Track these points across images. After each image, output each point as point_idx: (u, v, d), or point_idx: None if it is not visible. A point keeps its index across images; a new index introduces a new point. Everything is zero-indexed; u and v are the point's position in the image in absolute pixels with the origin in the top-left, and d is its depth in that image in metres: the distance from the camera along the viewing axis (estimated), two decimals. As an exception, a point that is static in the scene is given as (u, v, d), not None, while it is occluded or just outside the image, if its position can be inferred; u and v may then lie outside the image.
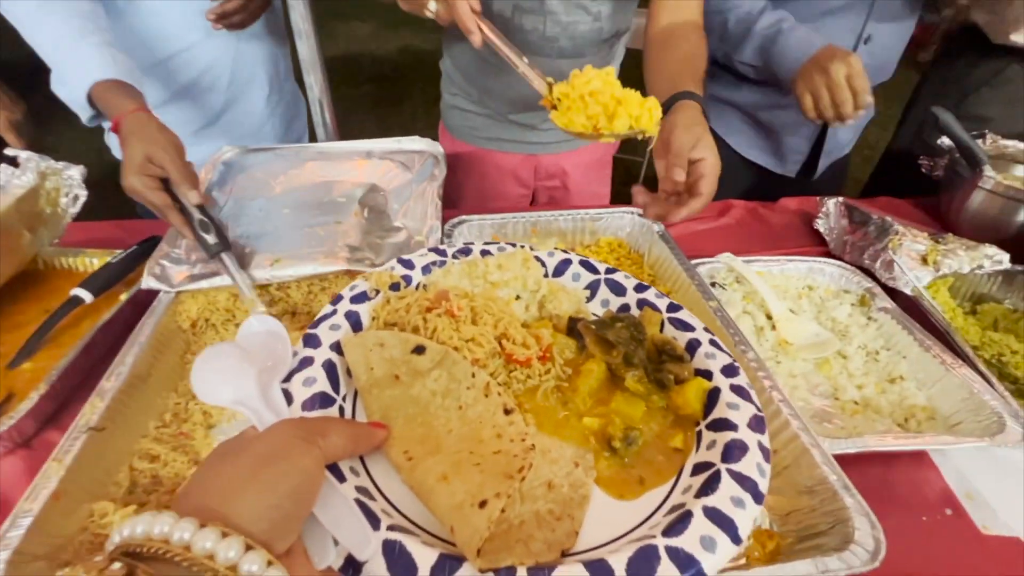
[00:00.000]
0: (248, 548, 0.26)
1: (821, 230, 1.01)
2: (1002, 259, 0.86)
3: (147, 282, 0.71)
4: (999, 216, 0.96)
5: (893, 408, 0.70)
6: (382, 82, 4.02)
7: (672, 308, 0.60)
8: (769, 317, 0.81)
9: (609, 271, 0.64)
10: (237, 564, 0.26)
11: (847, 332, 0.80)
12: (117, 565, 0.24)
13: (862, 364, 0.76)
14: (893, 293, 0.84)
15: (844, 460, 0.55)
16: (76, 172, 0.78)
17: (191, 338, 0.72)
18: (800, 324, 0.80)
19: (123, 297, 0.73)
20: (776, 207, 1.14)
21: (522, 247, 0.64)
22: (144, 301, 0.71)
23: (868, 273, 0.88)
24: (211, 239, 0.70)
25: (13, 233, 0.72)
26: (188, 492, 0.30)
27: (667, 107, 0.75)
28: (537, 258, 0.63)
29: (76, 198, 0.80)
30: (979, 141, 1.07)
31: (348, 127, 1.22)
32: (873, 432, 0.64)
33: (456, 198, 1.31)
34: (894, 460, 0.63)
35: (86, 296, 0.73)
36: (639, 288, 0.62)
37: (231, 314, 0.73)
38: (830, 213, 1.02)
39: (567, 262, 0.65)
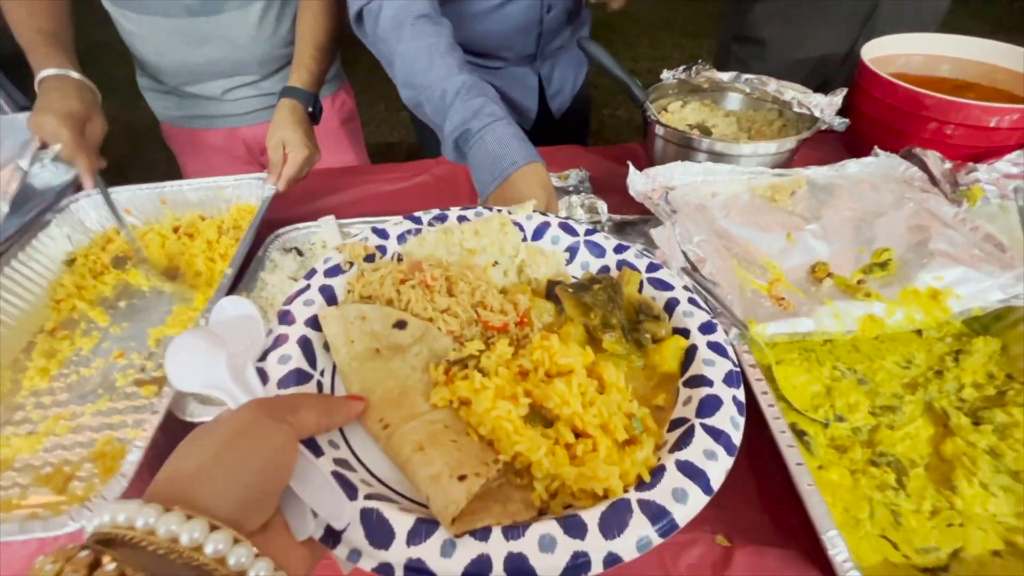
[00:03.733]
0: (214, 528, 0.27)
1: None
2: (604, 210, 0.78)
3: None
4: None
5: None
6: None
7: (652, 268, 0.58)
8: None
9: (589, 232, 0.63)
10: (202, 545, 0.26)
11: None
12: (84, 552, 0.24)
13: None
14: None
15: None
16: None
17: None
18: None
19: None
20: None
21: (499, 211, 0.62)
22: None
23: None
24: None
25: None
26: (158, 479, 0.30)
27: None
28: (515, 223, 0.61)
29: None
30: (687, 73, 0.94)
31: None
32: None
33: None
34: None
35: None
36: (619, 249, 0.61)
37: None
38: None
39: (546, 225, 0.63)
